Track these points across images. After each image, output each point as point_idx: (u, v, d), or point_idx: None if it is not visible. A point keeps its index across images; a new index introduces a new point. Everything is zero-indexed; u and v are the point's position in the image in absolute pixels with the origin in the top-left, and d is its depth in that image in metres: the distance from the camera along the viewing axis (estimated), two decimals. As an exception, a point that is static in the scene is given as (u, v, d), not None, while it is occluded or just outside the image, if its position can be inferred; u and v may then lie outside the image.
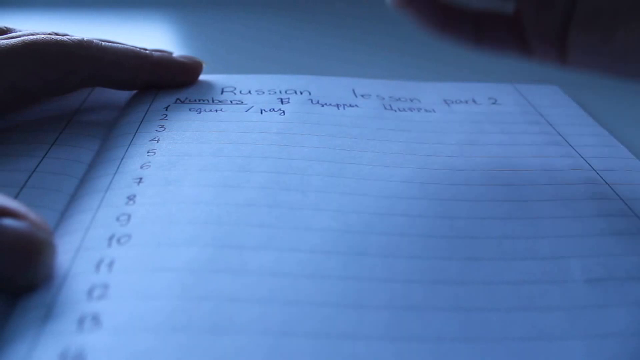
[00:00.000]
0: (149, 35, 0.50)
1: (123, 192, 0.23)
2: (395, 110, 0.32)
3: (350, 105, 0.32)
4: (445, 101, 0.33)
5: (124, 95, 0.32)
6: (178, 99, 0.31)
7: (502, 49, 0.30)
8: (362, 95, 0.33)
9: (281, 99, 0.32)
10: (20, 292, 0.18)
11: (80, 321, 0.17)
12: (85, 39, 0.28)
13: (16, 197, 0.23)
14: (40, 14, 0.53)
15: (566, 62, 0.29)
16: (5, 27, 0.29)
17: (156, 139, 0.27)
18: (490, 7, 0.30)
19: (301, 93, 0.32)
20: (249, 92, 0.32)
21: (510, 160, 0.27)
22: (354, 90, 0.34)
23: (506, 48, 0.30)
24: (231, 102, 0.31)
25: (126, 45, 0.31)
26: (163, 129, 0.28)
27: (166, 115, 0.29)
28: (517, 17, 0.30)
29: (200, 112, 0.29)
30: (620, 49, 0.26)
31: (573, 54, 0.28)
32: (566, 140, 0.29)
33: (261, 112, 0.30)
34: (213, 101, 0.31)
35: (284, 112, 0.30)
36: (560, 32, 0.28)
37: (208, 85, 0.33)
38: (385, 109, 0.32)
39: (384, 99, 0.33)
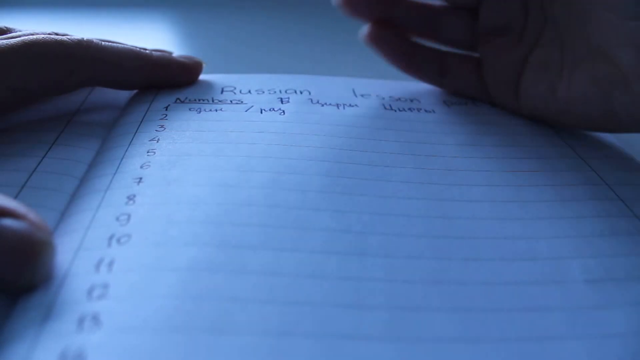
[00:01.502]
0: (149, 35, 0.50)
1: (123, 192, 0.23)
2: (395, 110, 0.32)
3: (350, 105, 0.32)
4: (445, 102, 0.33)
5: (124, 95, 0.32)
6: (178, 98, 0.31)
7: (465, 91, 0.33)
8: (362, 95, 0.33)
9: (281, 99, 0.32)
10: (20, 292, 0.18)
11: (80, 321, 0.17)
12: (85, 39, 0.28)
13: (16, 197, 0.23)
14: (40, 14, 0.53)
15: (520, 109, 0.31)
16: (5, 27, 0.29)
17: (156, 138, 0.27)
18: (458, 50, 0.33)
19: (301, 93, 0.32)
20: (249, 91, 0.32)
21: (510, 160, 0.27)
22: (354, 90, 0.34)
23: (469, 91, 0.33)
24: (231, 101, 0.31)
25: (126, 45, 0.31)
26: (163, 128, 0.28)
27: (166, 115, 0.29)
28: (480, 62, 0.32)
29: (200, 112, 0.29)
30: (563, 100, 0.28)
31: (525, 102, 0.30)
32: (565, 141, 0.29)
33: (261, 112, 0.30)
34: (213, 101, 0.31)
35: (283, 111, 0.30)
36: (514, 80, 0.30)
37: (208, 85, 0.33)
38: (385, 109, 0.32)
39: (384, 99, 0.33)
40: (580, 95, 0.27)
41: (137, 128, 0.28)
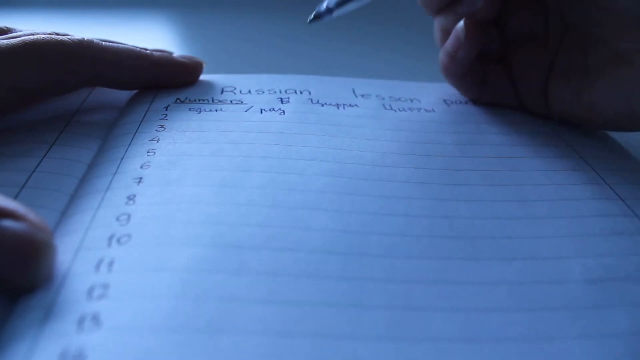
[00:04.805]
0: (149, 35, 0.50)
1: (123, 192, 0.23)
2: (395, 110, 0.32)
3: (350, 105, 0.32)
4: (445, 101, 0.33)
5: (124, 95, 0.32)
6: (178, 98, 0.31)
7: (499, 99, 0.33)
8: (362, 95, 0.33)
9: (281, 99, 0.32)
10: (21, 293, 0.18)
11: (80, 321, 0.17)
12: (85, 39, 0.28)
13: (16, 197, 0.23)
14: (40, 14, 0.53)
15: (549, 113, 0.31)
16: (6, 27, 0.29)
17: (156, 138, 0.27)
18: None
19: (301, 93, 0.32)
20: (249, 91, 0.32)
21: (510, 160, 0.27)
22: (354, 90, 0.34)
23: (502, 98, 0.33)
24: (231, 102, 0.31)
25: (126, 45, 0.31)
26: (163, 128, 0.28)
27: (166, 115, 0.29)
28: (511, 71, 0.32)
29: (200, 112, 0.29)
30: (588, 103, 0.28)
31: (553, 106, 0.30)
32: (566, 141, 0.29)
33: (261, 112, 0.30)
34: (213, 101, 0.31)
35: (283, 111, 0.30)
36: (543, 85, 0.30)
37: (208, 85, 0.33)
38: (385, 109, 0.32)
39: (384, 99, 0.33)
40: (603, 99, 0.28)
41: (137, 128, 0.28)
